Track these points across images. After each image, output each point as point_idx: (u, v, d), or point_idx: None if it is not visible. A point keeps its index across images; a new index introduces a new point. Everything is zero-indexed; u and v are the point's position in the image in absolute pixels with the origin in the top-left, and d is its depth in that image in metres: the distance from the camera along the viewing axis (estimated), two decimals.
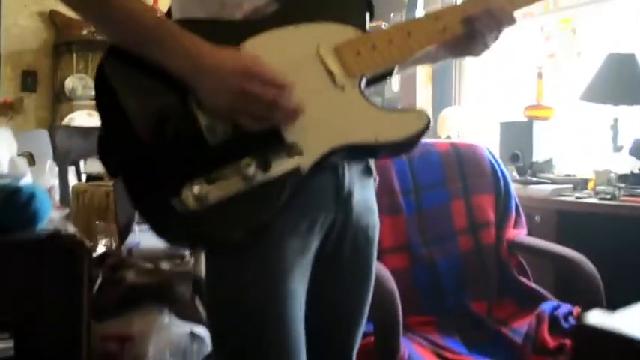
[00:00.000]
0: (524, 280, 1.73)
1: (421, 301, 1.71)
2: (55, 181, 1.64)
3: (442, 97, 3.65)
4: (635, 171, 2.16)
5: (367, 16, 0.93)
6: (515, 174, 2.53)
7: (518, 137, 2.59)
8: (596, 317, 0.50)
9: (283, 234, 0.84)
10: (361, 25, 0.90)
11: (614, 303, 1.55)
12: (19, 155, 2.35)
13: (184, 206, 0.77)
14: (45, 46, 3.17)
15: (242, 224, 0.79)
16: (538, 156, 2.54)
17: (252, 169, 0.78)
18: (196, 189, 0.77)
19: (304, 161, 0.81)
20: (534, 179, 2.33)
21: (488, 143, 2.98)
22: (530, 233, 1.99)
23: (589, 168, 2.48)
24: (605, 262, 1.97)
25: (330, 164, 0.86)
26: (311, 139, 0.82)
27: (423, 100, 3.61)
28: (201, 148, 0.79)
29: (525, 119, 2.60)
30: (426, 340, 1.56)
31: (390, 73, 0.98)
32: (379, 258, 1.13)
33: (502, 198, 1.83)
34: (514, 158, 2.59)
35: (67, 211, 1.08)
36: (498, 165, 1.88)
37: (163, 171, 0.80)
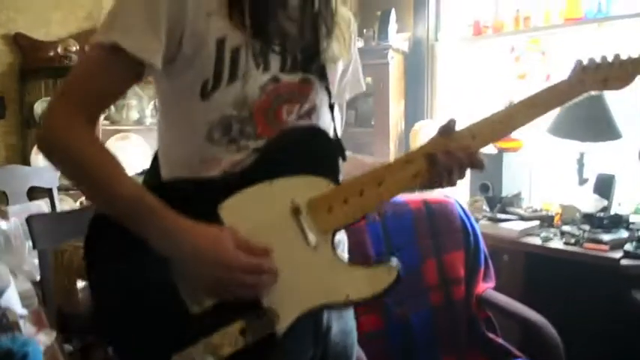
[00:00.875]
0: (492, 335, 1.80)
1: (395, 357, 1.77)
2: (35, 261, 1.65)
3: (415, 111, 3.69)
4: (599, 212, 2.25)
5: (340, 162, 0.95)
6: (484, 205, 2.60)
7: (488, 168, 2.63)
8: None
9: None
10: (333, 176, 0.92)
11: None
12: None
13: None
14: (10, 70, 3.08)
15: None
16: (507, 186, 2.61)
17: (233, 336, 0.82)
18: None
19: (280, 325, 0.85)
20: (503, 216, 2.40)
21: None
22: (498, 272, 2.07)
23: (557, 200, 2.57)
24: (569, 307, 2.07)
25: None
26: (286, 303, 0.86)
27: (396, 113, 3.64)
28: (184, 317, 0.83)
29: (495, 150, 2.66)
30: None
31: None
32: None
33: (472, 252, 1.90)
34: (483, 188, 2.66)
35: (54, 334, 1.10)
36: (469, 219, 1.94)
37: (151, 342, 0.84)
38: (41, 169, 2.95)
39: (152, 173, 0.95)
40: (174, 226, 0.80)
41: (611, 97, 2.43)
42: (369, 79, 3.67)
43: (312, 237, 0.88)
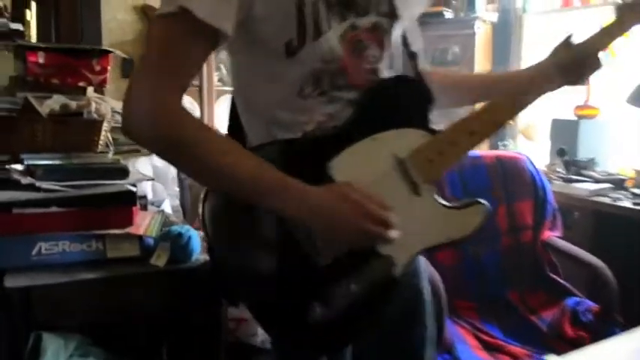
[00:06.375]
0: (554, 276, 2.04)
1: (466, 289, 2.06)
2: (176, 188, 2.10)
3: None
4: None
5: (430, 111, 0.98)
6: (561, 168, 2.78)
7: (566, 133, 2.82)
8: None
9: None
10: (426, 126, 0.97)
11: (630, 304, 1.84)
12: None
13: (312, 324, 0.93)
14: (140, 36, 3.57)
15: (353, 336, 0.98)
16: (583, 151, 2.77)
17: (356, 287, 0.93)
18: (317, 310, 0.92)
19: (397, 270, 0.94)
20: (576, 177, 2.58)
21: (541, 134, 3.21)
22: (569, 228, 2.29)
23: (632, 166, 2.70)
24: (631, 260, 2.24)
25: None
26: (399, 250, 0.93)
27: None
28: (314, 272, 0.92)
29: (573, 117, 2.81)
30: (468, 323, 1.92)
31: None
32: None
33: (540, 204, 2.13)
34: (561, 152, 2.83)
35: (201, 233, 1.49)
36: (538, 174, 2.16)
37: (288, 297, 0.94)
38: None
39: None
40: (302, 191, 0.85)
41: None
42: (456, 48, 3.86)
43: (418, 186, 0.93)
